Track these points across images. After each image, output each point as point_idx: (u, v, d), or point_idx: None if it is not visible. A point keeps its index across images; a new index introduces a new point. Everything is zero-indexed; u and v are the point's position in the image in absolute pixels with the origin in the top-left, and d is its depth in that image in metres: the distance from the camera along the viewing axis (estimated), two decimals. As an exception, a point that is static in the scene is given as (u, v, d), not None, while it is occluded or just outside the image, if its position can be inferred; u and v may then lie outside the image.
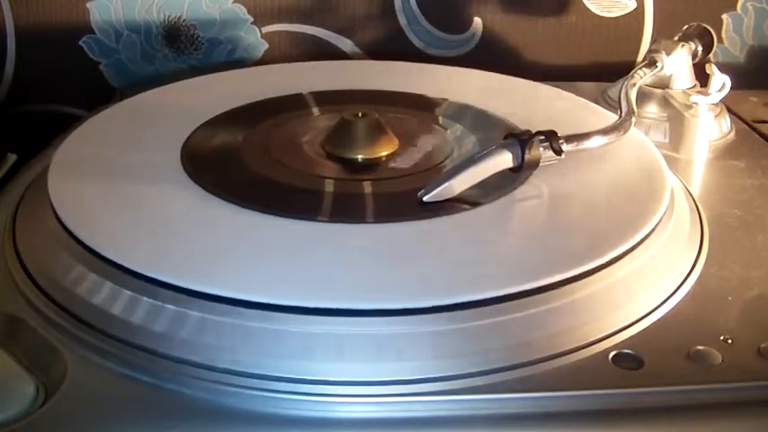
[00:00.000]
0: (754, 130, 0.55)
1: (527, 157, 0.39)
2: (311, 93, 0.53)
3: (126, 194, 0.39)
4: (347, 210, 0.40)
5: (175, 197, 0.39)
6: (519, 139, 0.40)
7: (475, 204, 0.39)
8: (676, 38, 0.55)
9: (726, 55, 0.71)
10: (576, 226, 0.38)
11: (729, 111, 0.55)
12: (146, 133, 0.46)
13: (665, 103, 0.53)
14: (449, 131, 0.48)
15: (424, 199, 0.38)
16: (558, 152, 0.40)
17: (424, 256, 0.35)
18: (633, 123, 0.45)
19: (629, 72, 0.51)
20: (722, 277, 0.38)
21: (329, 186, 0.41)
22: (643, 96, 0.53)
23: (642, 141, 0.46)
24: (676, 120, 0.51)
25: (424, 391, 0.30)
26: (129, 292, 0.33)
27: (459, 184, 0.39)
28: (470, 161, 0.39)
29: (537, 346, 0.32)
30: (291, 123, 0.48)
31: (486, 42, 0.69)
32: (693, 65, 0.54)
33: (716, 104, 0.52)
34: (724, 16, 0.70)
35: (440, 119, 0.50)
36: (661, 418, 0.30)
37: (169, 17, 0.66)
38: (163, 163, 0.43)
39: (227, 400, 0.30)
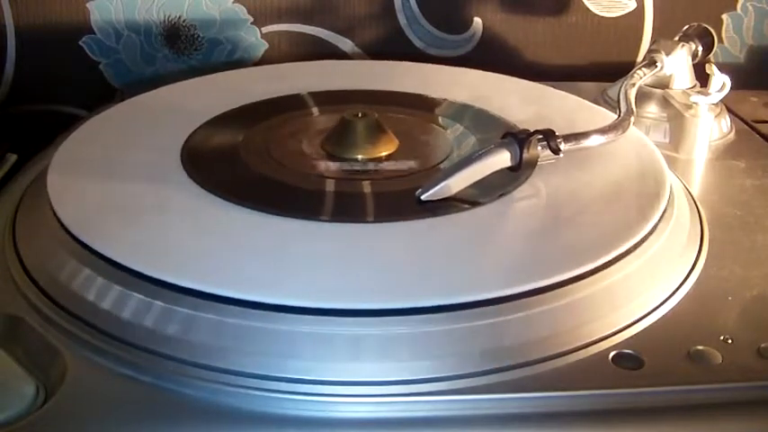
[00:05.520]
0: (754, 130, 0.55)
1: (525, 155, 0.39)
2: (311, 93, 0.53)
3: (126, 194, 0.39)
4: (347, 209, 0.40)
5: (175, 197, 0.39)
6: (517, 138, 0.40)
7: (474, 204, 0.39)
8: (676, 38, 0.55)
9: (726, 55, 0.71)
10: (575, 226, 0.38)
11: (729, 111, 0.55)
12: (146, 133, 0.46)
13: (665, 103, 0.53)
14: (448, 131, 0.48)
15: (422, 197, 0.38)
16: (556, 151, 0.40)
17: (424, 256, 0.35)
18: (632, 123, 0.45)
19: (629, 72, 0.51)
20: (722, 277, 0.38)
21: (329, 186, 0.41)
22: (643, 96, 0.53)
23: (642, 141, 0.46)
24: (676, 120, 0.51)
25: (424, 391, 0.30)
26: (129, 292, 0.33)
27: (457, 182, 0.39)
28: (468, 160, 0.39)
29: (537, 346, 0.32)
30: (291, 123, 0.48)
31: (486, 42, 0.69)
32: (693, 65, 0.54)
33: (716, 104, 0.52)
34: (724, 16, 0.70)
35: (439, 119, 0.50)
36: (661, 418, 0.30)
37: (169, 17, 0.66)
38: (163, 163, 0.42)
39: (227, 400, 0.30)
